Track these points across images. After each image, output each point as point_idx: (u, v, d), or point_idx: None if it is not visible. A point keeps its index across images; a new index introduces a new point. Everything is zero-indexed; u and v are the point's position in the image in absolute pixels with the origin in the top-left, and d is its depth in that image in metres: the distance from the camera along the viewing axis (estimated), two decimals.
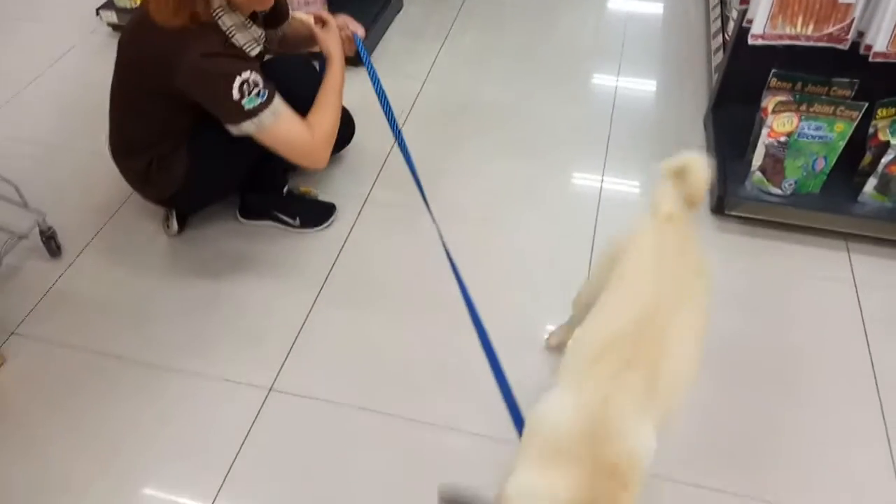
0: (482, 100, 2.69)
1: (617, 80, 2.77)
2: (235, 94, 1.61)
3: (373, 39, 2.88)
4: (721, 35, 2.61)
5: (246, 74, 1.62)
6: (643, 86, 2.78)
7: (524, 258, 2.07)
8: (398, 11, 3.15)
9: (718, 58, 2.51)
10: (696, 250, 1.30)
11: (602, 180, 2.31)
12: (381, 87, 1.83)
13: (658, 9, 3.26)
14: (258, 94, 1.65)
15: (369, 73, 1.86)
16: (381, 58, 2.87)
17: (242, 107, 1.63)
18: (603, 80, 2.78)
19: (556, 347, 1.79)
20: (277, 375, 1.75)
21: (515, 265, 2.04)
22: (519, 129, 2.54)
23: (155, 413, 1.69)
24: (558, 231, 2.15)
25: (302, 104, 1.77)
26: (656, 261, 1.25)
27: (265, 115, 1.66)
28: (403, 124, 2.52)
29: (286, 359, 1.79)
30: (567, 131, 2.52)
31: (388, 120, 1.81)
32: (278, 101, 1.69)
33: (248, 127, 1.67)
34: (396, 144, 1.81)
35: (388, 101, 1.82)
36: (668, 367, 1.10)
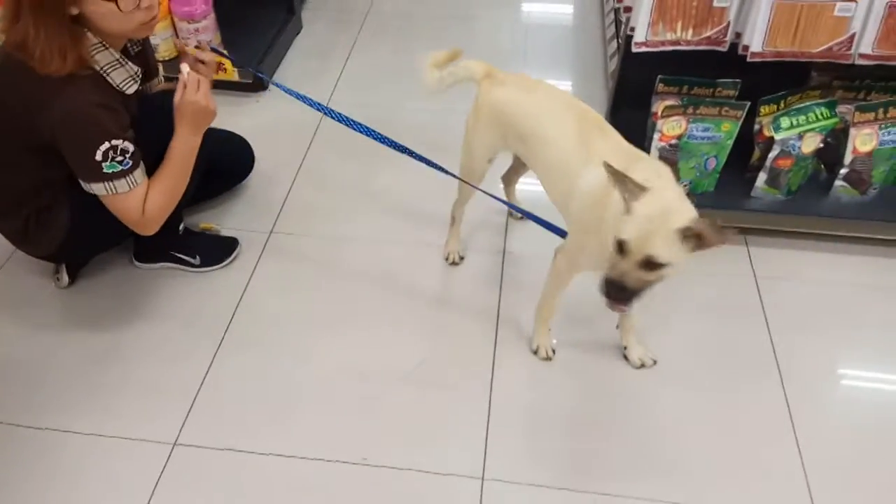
0: (390, 117, 2.65)
1: None
2: (98, 156, 1.56)
3: (271, 63, 2.82)
4: (615, 40, 2.66)
5: (115, 142, 1.57)
6: None
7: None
8: (298, 32, 3.09)
9: (613, 63, 2.56)
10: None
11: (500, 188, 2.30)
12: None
13: (568, 12, 3.32)
14: (122, 161, 1.59)
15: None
16: (281, 83, 2.77)
17: (102, 169, 1.58)
18: None
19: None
20: (182, 428, 1.68)
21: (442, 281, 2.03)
22: (428, 143, 2.51)
23: (53, 481, 1.59)
24: (466, 246, 2.15)
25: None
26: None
27: (121, 183, 1.61)
28: (307, 152, 2.47)
29: (190, 409, 1.72)
30: None
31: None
32: (139, 173, 1.65)
33: (98, 188, 1.61)
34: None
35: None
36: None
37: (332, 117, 1.88)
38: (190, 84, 1.68)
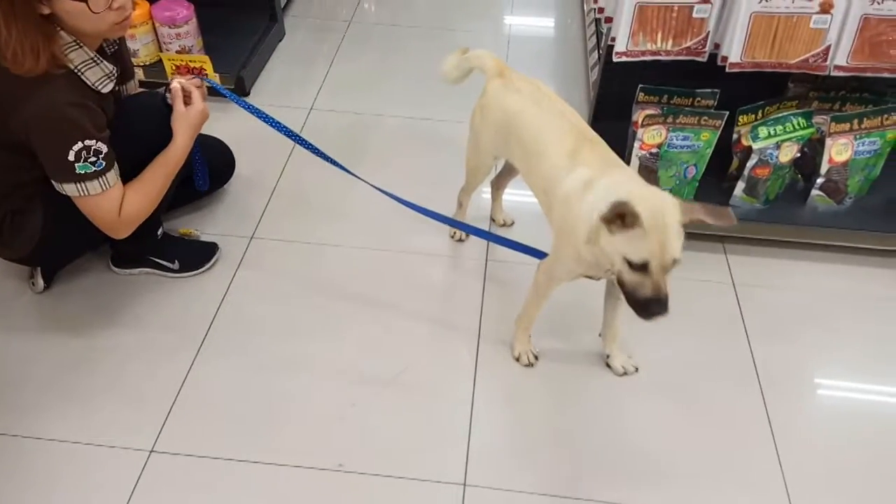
0: (373, 124, 2.66)
1: None
2: (71, 156, 1.54)
3: (254, 69, 2.81)
4: (596, 51, 2.68)
5: (89, 142, 1.55)
6: None
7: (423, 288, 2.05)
8: (280, 39, 3.08)
9: (595, 74, 2.58)
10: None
11: (487, 191, 2.30)
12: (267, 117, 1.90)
13: (550, 24, 3.35)
14: (94, 162, 1.57)
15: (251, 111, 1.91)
16: (264, 89, 2.79)
17: (74, 169, 1.56)
18: None
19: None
20: (158, 435, 1.65)
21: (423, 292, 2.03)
22: (408, 152, 2.52)
23: (26, 489, 1.55)
24: (450, 252, 2.15)
25: (145, 151, 1.73)
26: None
27: (93, 184, 1.60)
28: (288, 157, 2.45)
29: (167, 416, 1.69)
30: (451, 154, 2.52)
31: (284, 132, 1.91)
32: (112, 175, 1.63)
33: (70, 189, 1.60)
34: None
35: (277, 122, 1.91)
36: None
37: (302, 144, 1.94)
38: (195, 93, 1.74)
